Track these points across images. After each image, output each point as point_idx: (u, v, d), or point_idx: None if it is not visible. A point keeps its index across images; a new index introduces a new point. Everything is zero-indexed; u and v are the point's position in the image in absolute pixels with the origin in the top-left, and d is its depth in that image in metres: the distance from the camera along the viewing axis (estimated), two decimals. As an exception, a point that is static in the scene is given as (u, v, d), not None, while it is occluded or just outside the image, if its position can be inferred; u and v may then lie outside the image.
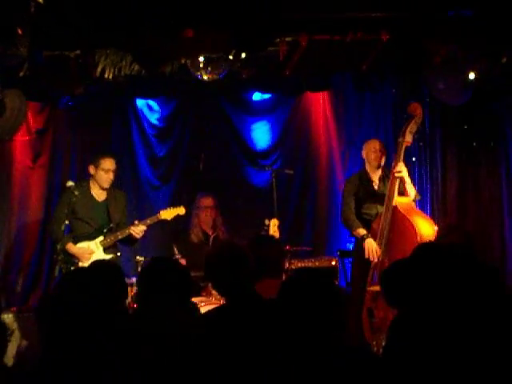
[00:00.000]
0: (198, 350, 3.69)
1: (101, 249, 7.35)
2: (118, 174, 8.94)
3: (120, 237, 7.39)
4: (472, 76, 7.61)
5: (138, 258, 7.65)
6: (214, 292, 7.26)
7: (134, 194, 8.97)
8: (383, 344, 5.53)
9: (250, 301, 4.20)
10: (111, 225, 7.47)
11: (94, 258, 7.17)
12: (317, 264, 7.96)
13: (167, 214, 7.56)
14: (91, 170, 7.44)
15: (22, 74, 7.20)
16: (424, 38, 7.15)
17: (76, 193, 7.14)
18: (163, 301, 3.93)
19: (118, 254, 7.47)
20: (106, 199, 7.52)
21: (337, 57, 7.48)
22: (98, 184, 7.45)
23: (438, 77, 7.71)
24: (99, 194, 7.50)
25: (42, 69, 7.17)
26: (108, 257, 7.30)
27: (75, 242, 7.32)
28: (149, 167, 9.13)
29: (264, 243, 5.33)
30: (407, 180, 7.24)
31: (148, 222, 7.46)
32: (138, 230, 7.36)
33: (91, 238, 7.34)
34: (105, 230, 7.41)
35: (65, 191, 7.31)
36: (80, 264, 7.19)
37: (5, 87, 7.15)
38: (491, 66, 7.61)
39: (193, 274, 7.72)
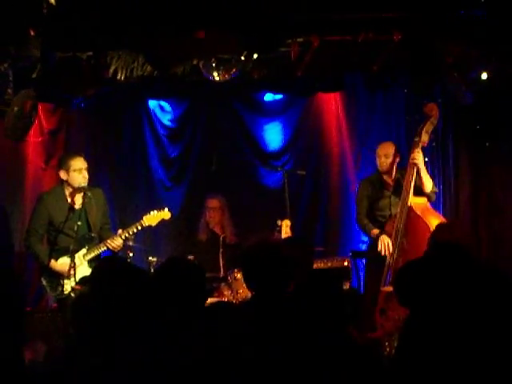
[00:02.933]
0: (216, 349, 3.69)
1: (85, 263, 6.95)
2: (131, 174, 9.06)
3: (102, 249, 6.98)
4: (484, 76, 7.60)
5: (150, 258, 7.66)
6: (226, 293, 7.29)
7: (146, 195, 9.01)
8: (395, 345, 5.52)
9: (278, 300, 4.22)
10: (92, 234, 7.04)
11: (79, 273, 6.70)
12: (329, 264, 7.92)
13: (151, 219, 7.16)
14: (62, 175, 6.96)
15: (34, 75, 7.23)
16: (436, 38, 7.14)
17: (50, 202, 6.96)
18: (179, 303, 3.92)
19: (131, 254, 7.40)
20: (84, 205, 6.98)
21: (348, 57, 7.49)
22: (73, 186, 6.93)
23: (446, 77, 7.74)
24: (76, 201, 6.96)
25: (55, 70, 7.18)
26: None
27: (56, 257, 6.90)
28: (161, 168, 9.15)
29: (292, 244, 5.34)
30: (423, 169, 7.26)
31: (131, 229, 7.03)
32: (114, 244, 6.96)
33: (73, 251, 6.76)
34: (86, 242, 7.00)
35: (38, 201, 7.08)
36: (65, 281, 6.79)
37: (17, 88, 7.16)
38: (504, 66, 7.59)
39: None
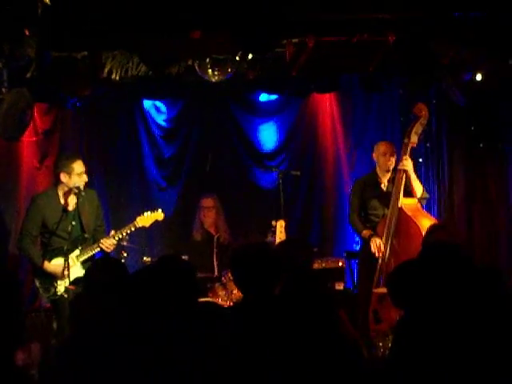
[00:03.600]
0: (206, 349, 3.69)
1: (78, 264, 6.92)
2: (125, 174, 9.05)
3: (96, 250, 6.97)
4: (479, 77, 7.61)
5: (145, 258, 7.67)
6: (220, 293, 7.30)
7: (140, 195, 9.00)
8: (389, 345, 5.53)
9: (268, 302, 4.22)
10: (86, 235, 7.01)
11: (73, 274, 6.71)
12: (324, 265, 7.94)
13: (144, 220, 7.16)
14: (63, 177, 6.91)
15: (29, 74, 7.21)
16: (430, 39, 7.14)
17: (43, 204, 6.93)
18: (169, 301, 3.91)
19: (125, 254, 7.40)
20: (77, 206, 6.97)
21: (343, 58, 7.48)
22: (70, 188, 6.92)
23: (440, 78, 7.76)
24: (69, 202, 6.93)
25: (50, 70, 7.17)
26: None
27: (50, 259, 6.89)
28: (156, 168, 9.14)
29: (294, 246, 5.34)
30: (412, 175, 7.27)
31: (124, 231, 7.03)
32: (107, 244, 6.94)
33: (67, 252, 6.76)
34: (80, 243, 6.98)
35: (31, 203, 7.05)
36: (58, 282, 6.81)
37: (12, 88, 7.14)
38: (498, 67, 7.60)
39: (197, 275, 7.79)
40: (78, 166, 6.92)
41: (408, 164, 7.22)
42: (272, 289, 4.29)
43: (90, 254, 6.99)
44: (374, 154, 7.62)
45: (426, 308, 3.81)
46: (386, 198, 7.40)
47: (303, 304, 3.45)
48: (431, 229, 6.09)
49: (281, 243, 6.28)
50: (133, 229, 7.10)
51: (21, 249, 7.10)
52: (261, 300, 4.18)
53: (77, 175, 6.90)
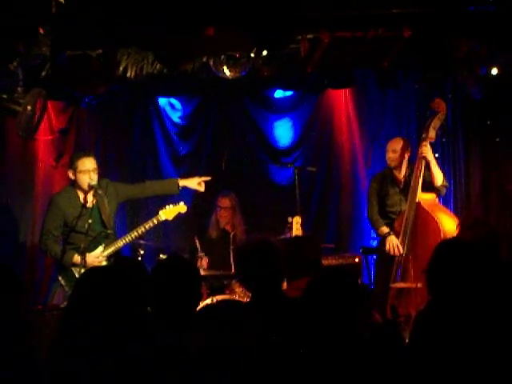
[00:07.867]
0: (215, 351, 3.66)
1: (104, 260, 6.88)
2: (141, 172, 9.06)
3: (121, 244, 6.97)
4: (495, 71, 7.57)
5: (161, 256, 7.66)
6: (237, 290, 7.29)
7: (156, 193, 9.00)
8: (407, 341, 5.52)
9: (275, 298, 4.21)
10: (108, 231, 6.96)
11: None
12: (340, 261, 7.93)
13: (167, 213, 7.11)
14: (70, 174, 6.91)
15: (44, 73, 7.24)
16: (446, 33, 7.11)
17: (63, 202, 6.91)
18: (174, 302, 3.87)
19: (141, 252, 7.39)
20: (97, 203, 6.91)
21: (359, 53, 7.45)
22: (82, 187, 6.86)
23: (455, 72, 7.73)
24: (88, 199, 6.84)
25: (65, 68, 7.19)
26: None
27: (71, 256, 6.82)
28: (171, 165, 9.15)
29: (303, 242, 5.33)
30: (432, 161, 7.25)
31: (147, 225, 7.00)
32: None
33: (89, 249, 6.74)
34: (103, 240, 6.93)
35: (50, 203, 7.03)
36: None
37: (27, 87, 7.16)
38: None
39: (214, 272, 7.80)
40: (84, 163, 6.84)
41: (427, 151, 7.20)
42: (278, 285, 4.30)
43: (113, 249, 6.94)
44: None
45: (450, 301, 3.78)
46: (403, 194, 7.39)
47: (332, 301, 3.41)
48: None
49: (288, 241, 6.22)
50: (155, 222, 7.05)
51: (45, 250, 7.03)
52: (270, 297, 4.18)
53: (80, 173, 6.83)
